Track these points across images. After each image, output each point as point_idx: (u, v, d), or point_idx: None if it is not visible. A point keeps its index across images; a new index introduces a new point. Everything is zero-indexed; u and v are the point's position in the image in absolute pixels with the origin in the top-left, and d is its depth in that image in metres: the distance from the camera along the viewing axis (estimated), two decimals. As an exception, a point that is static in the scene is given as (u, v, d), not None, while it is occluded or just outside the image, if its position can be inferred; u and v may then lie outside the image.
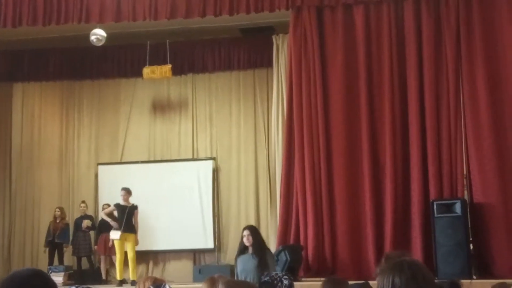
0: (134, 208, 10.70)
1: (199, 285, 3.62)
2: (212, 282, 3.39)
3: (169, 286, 2.95)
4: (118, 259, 10.62)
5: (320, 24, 10.33)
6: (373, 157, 9.93)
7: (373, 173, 9.87)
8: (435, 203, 9.30)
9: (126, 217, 10.53)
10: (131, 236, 10.58)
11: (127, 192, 10.79)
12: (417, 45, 9.98)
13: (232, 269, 11.46)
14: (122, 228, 10.53)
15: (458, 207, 9.16)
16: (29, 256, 12.73)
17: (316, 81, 10.18)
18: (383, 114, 10.00)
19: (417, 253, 9.41)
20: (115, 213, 10.93)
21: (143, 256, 12.20)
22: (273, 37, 11.91)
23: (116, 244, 10.61)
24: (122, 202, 10.75)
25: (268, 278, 6.33)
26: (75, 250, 12.04)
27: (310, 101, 10.17)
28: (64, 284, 10.97)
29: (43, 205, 12.81)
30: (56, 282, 2.26)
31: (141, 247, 11.42)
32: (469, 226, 9.28)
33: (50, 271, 11.24)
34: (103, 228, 11.70)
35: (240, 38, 12.53)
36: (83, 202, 12.36)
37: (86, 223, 11.98)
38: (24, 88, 13.33)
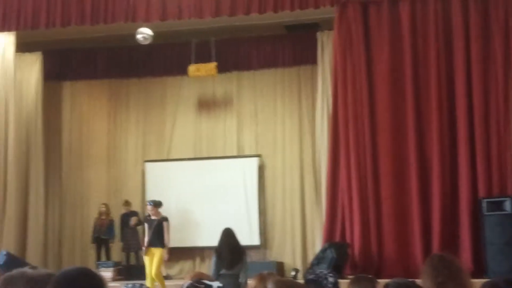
0: (163, 220, 10.14)
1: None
2: (262, 279, 3.40)
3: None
4: (147, 273, 9.99)
5: (365, 20, 10.23)
6: (420, 154, 9.80)
7: (420, 170, 9.74)
8: (484, 200, 9.14)
9: (154, 231, 10.01)
10: (158, 251, 9.96)
11: (154, 206, 10.20)
12: (465, 40, 9.81)
13: (278, 265, 11.50)
14: (148, 243, 10.03)
15: (508, 205, 8.99)
16: (79, 251, 12.97)
17: (361, 78, 10.09)
18: (430, 111, 9.86)
19: (465, 251, 9.29)
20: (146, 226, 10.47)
21: (189, 252, 12.34)
22: (318, 34, 11.86)
23: (145, 259, 10.13)
24: (151, 216, 10.23)
25: (313, 276, 6.30)
26: (125, 247, 12.27)
27: (356, 98, 10.09)
28: (114, 279, 11.17)
29: (92, 202, 13.03)
30: (106, 277, 2.29)
31: (187, 243, 11.56)
32: (519, 224, 9.10)
33: (99, 267, 11.46)
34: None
35: (285, 35, 12.52)
36: (127, 201, 12.42)
37: (134, 220, 12.15)
38: (72, 87, 13.58)
